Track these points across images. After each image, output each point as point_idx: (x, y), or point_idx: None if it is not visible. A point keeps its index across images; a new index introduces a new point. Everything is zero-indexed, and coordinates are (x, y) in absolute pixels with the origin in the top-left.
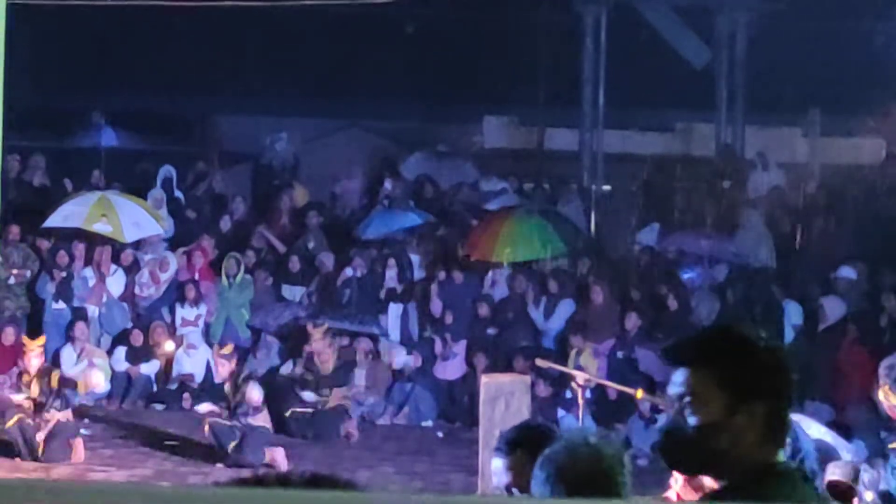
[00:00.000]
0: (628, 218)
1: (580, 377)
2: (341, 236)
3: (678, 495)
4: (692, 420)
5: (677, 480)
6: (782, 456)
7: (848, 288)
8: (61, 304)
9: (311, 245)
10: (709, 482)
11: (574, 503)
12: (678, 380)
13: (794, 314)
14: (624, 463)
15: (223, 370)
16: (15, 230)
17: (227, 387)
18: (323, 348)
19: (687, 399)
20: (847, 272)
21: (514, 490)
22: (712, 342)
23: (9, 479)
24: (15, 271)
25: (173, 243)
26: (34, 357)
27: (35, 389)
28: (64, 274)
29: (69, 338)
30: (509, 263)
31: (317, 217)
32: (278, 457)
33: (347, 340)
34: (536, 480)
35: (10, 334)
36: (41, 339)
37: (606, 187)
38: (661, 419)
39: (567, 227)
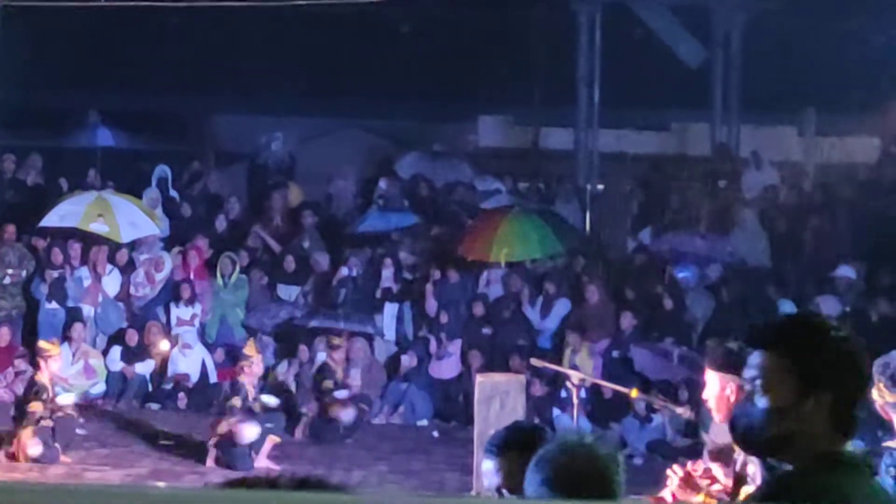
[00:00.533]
0: (623, 217)
1: (575, 376)
2: (336, 236)
3: (673, 495)
4: (761, 402)
5: (673, 481)
6: (849, 447)
7: (847, 287)
8: (54, 305)
9: (306, 244)
10: (705, 483)
11: None
12: (753, 362)
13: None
14: (619, 463)
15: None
16: (11, 230)
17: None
18: (342, 356)
19: (758, 382)
20: (846, 271)
21: (505, 492)
22: (791, 328)
23: (6, 481)
24: (10, 271)
25: (169, 243)
26: (53, 362)
27: (50, 393)
28: (56, 274)
29: (66, 338)
30: (505, 263)
31: (312, 216)
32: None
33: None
34: (531, 481)
35: (5, 335)
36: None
37: (601, 187)
38: (656, 418)
39: (564, 227)
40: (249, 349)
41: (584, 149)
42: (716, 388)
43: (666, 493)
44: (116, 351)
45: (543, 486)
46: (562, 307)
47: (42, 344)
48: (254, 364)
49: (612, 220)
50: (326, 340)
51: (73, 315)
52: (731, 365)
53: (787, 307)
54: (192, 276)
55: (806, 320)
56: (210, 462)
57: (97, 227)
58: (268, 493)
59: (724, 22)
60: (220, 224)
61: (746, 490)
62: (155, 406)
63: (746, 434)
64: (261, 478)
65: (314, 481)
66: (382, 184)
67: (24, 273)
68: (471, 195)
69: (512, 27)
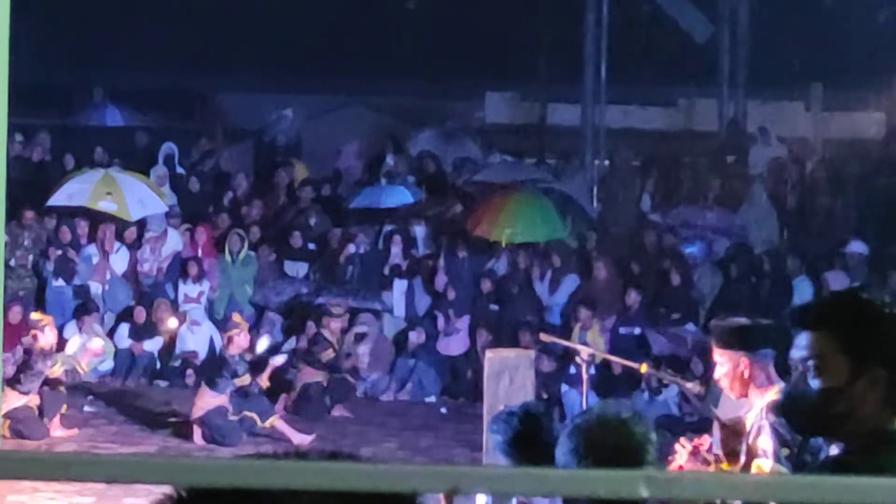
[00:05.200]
0: (631, 193)
1: (584, 352)
2: (343, 212)
3: (681, 468)
4: (814, 383)
5: (682, 455)
6: None
7: (858, 262)
8: (61, 282)
9: (312, 221)
10: (713, 458)
11: (588, 473)
12: (802, 343)
13: (798, 289)
14: (652, 440)
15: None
16: (29, 215)
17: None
18: (337, 330)
19: (811, 362)
20: (858, 246)
21: None
22: (840, 307)
23: (20, 451)
24: (18, 252)
25: (176, 220)
26: (49, 331)
27: (57, 367)
28: (60, 252)
29: (75, 316)
30: (503, 244)
31: (319, 193)
32: (282, 427)
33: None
34: (562, 449)
35: (16, 313)
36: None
37: (608, 162)
38: (666, 394)
39: (572, 209)
40: (236, 318)
41: (592, 125)
42: (727, 366)
43: (672, 467)
44: (124, 328)
45: (573, 456)
46: (570, 283)
47: (34, 315)
48: (241, 334)
49: (620, 195)
50: (326, 311)
51: (80, 293)
52: (740, 341)
53: (797, 282)
54: (199, 254)
55: (856, 298)
56: (198, 439)
57: (105, 205)
58: (283, 462)
59: None
60: (228, 201)
61: (758, 463)
62: (163, 383)
63: (799, 415)
64: (290, 451)
65: (346, 456)
66: (389, 160)
67: (30, 256)
68: (478, 172)
69: (519, 2)
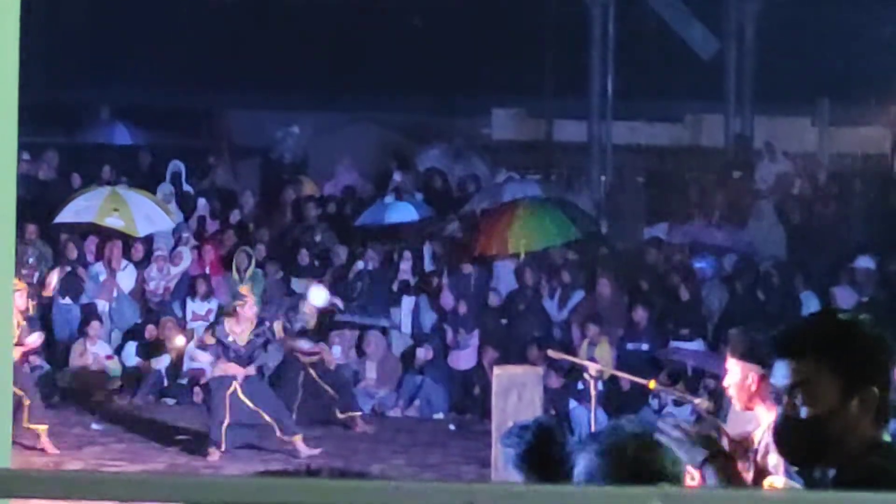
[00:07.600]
0: (637, 209)
1: (592, 368)
2: (350, 229)
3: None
4: (804, 411)
5: (694, 477)
6: (887, 436)
7: (866, 278)
8: (68, 301)
9: (319, 238)
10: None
11: (602, 489)
12: (784, 371)
13: (806, 304)
14: (674, 457)
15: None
16: (32, 229)
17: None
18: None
19: (797, 391)
20: (866, 262)
21: None
22: (820, 331)
23: (28, 470)
24: (24, 271)
25: (183, 238)
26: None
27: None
28: (67, 269)
29: (81, 333)
30: (521, 254)
31: (325, 210)
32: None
33: (357, 334)
34: (579, 465)
35: (23, 331)
36: (34, 336)
37: (615, 178)
38: (674, 410)
39: (576, 212)
40: (244, 289)
41: (598, 141)
42: (737, 376)
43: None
44: (132, 346)
45: (590, 472)
46: (578, 299)
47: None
48: (247, 306)
49: (626, 211)
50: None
51: (88, 311)
52: (754, 354)
53: (805, 298)
54: (207, 271)
55: (834, 321)
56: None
57: (113, 221)
58: (287, 480)
59: (737, 12)
60: (235, 219)
61: (770, 480)
62: (170, 401)
63: (791, 445)
64: (300, 470)
65: (354, 474)
66: (397, 176)
67: (36, 274)
68: (485, 188)
69: (525, 19)
